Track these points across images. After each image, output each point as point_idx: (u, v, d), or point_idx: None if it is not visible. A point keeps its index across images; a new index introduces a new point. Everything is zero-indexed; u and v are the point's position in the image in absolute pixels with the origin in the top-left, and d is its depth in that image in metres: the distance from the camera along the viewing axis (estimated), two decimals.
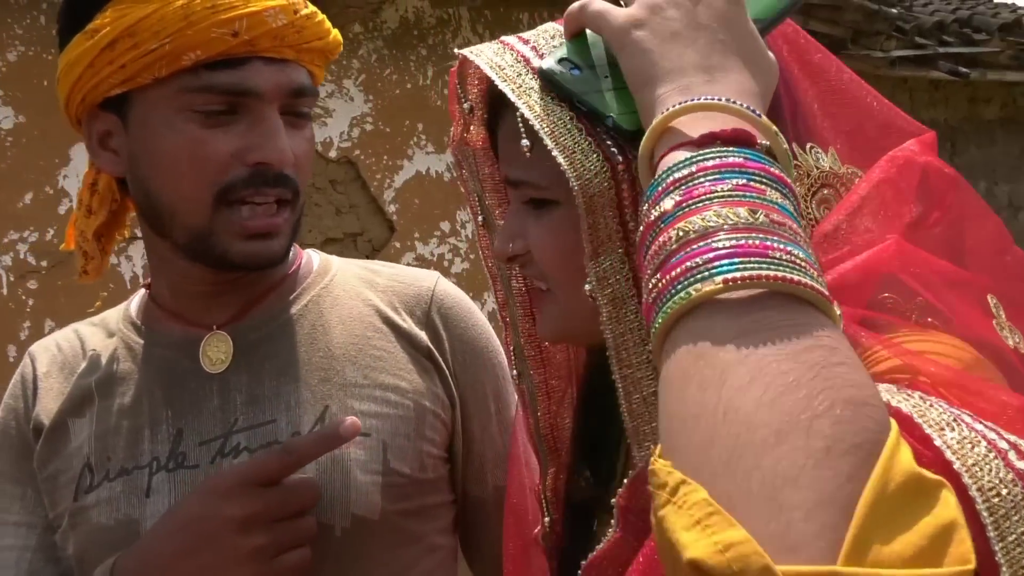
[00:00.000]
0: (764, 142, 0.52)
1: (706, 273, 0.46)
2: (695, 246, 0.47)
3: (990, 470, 0.44)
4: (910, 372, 0.53)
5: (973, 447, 0.45)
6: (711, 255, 0.46)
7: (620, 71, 0.61)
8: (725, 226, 0.47)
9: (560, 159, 0.63)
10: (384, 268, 1.15)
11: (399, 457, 1.01)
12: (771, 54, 0.61)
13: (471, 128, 0.83)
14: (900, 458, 0.40)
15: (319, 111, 3.12)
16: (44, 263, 2.65)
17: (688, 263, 0.47)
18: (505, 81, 0.66)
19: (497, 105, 0.75)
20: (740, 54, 0.58)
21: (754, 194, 0.48)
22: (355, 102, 3.28)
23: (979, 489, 0.43)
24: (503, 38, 0.72)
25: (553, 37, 0.70)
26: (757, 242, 0.46)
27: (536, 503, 0.90)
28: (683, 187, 0.50)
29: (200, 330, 1.04)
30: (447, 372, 1.07)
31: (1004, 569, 0.42)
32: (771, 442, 0.40)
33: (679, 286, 0.47)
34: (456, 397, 1.08)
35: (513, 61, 0.68)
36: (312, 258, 1.14)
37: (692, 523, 0.40)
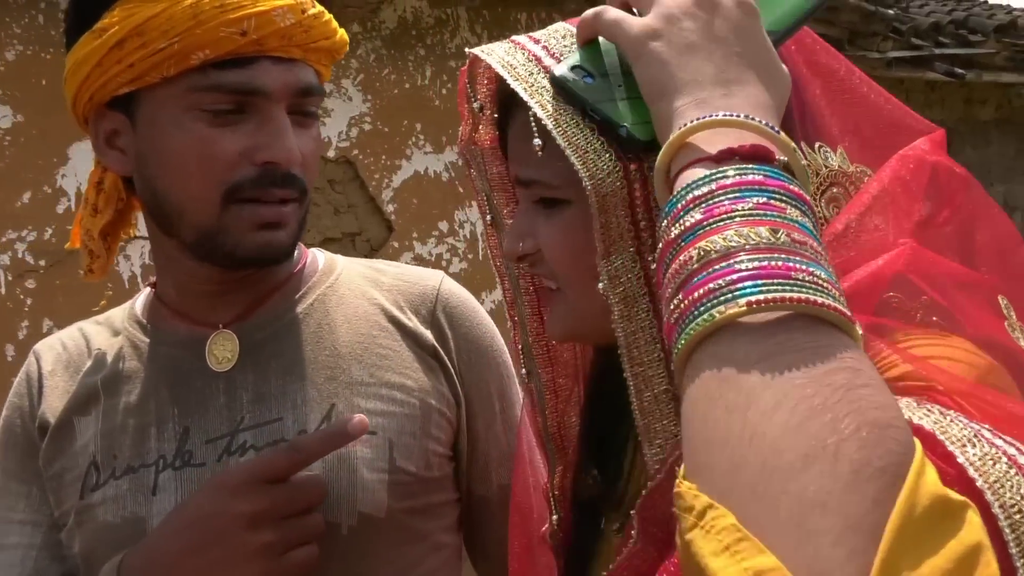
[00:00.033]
0: (782, 158, 0.52)
1: (729, 295, 0.46)
2: (717, 267, 0.47)
3: (1012, 487, 0.44)
4: (922, 379, 0.53)
5: (995, 464, 0.45)
6: (734, 276, 0.46)
7: (633, 80, 0.60)
8: (747, 246, 0.47)
9: (573, 159, 0.63)
10: (389, 267, 1.15)
11: (405, 455, 1.01)
12: (784, 66, 0.61)
13: (480, 127, 0.84)
14: (926, 480, 0.40)
15: None
16: (42, 262, 2.65)
17: (710, 284, 0.47)
18: (517, 80, 0.66)
19: (508, 104, 0.75)
20: (755, 67, 0.58)
21: (775, 213, 0.48)
22: (353, 102, 3.29)
23: (1001, 506, 0.44)
24: (514, 37, 0.72)
25: (564, 37, 0.70)
26: (779, 263, 0.46)
27: (543, 501, 0.90)
28: (703, 205, 0.50)
29: (206, 329, 1.04)
30: (452, 371, 1.08)
31: None
32: (798, 467, 0.40)
33: (701, 308, 0.47)
34: (461, 396, 1.08)
35: (525, 60, 0.68)
36: (317, 257, 1.14)
37: (721, 548, 0.40)
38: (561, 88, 0.65)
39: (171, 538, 0.89)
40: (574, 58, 0.66)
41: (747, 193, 0.49)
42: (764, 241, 0.47)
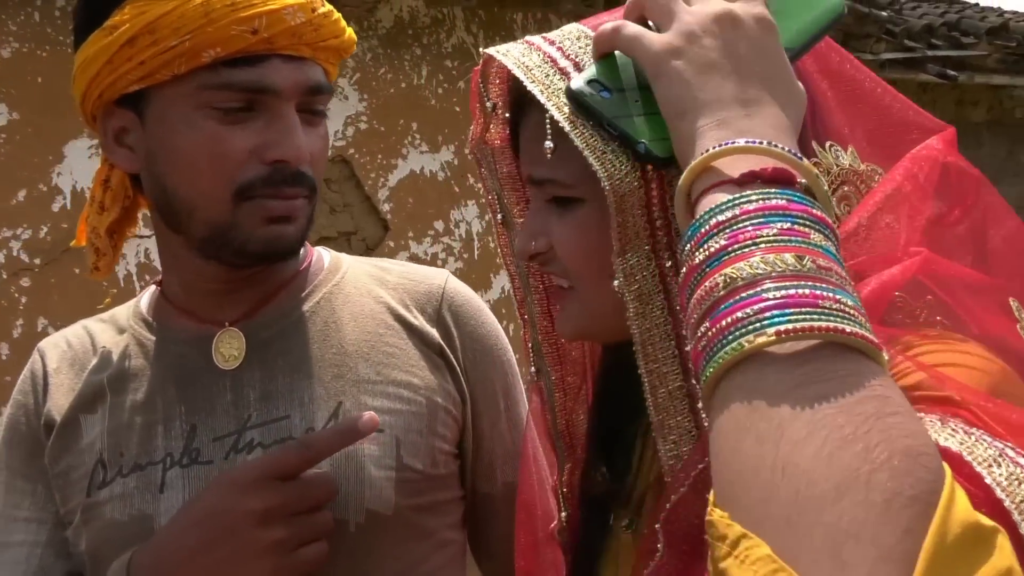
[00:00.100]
0: (803, 181, 0.52)
1: (757, 324, 0.46)
2: (744, 295, 0.47)
3: None
4: (936, 388, 0.53)
5: (1020, 484, 0.46)
6: (761, 305, 0.46)
7: (650, 94, 0.60)
8: (773, 273, 0.47)
9: (591, 160, 0.63)
10: (394, 266, 1.15)
11: (412, 453, 1.01)
12: (800, 84, 0.61)
13: (491, 127, 0.84)
14: (956, 507, 0.41)
15: None
16: (37, 260, 2.64)
17: (738, 313, 0.47)
18: (534, 82, 0.67)
19: (520, 104, 0.76)
20: (774, 85, 0.58)
21: (799, 239, 0.49)
22: (349, 101, 3.29)
23: None
24: (528, 38, 0.72)
25: (578, 39, 0.70)
26: (807, 291, 0.46)
27: (551, 498, 0.91)
28: (727, 230, 0.50)
29: (212, 327, 1.04)
30: (458, 369, 1.08)
31: None
32: (831, 497, 0.41)
33: (729, 336, 0.47)
34: (467, 394, 1.08)
35: (540, 62, 0.68)
36: (323, 256, 1.14)
37: None
38: (578, 102, 0.64)
39: (181, 535, 0.89)
40: (590, 71, 0.65)
41: (771, 218, 0.49)
42: (790, 268, 0.47)
